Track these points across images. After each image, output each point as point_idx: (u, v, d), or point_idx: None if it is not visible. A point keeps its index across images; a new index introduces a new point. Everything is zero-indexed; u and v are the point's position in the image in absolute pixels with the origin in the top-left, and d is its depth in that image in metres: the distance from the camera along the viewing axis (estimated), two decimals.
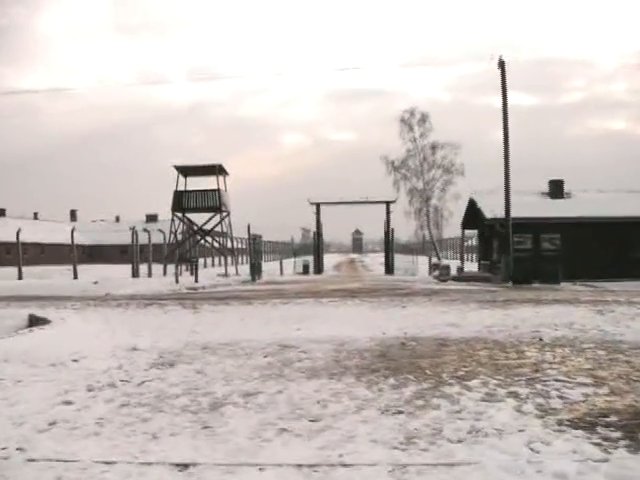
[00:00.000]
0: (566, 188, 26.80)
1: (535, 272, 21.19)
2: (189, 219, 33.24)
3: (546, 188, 26.92)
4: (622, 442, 3.80)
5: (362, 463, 3.56)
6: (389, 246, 32.64)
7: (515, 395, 4.97)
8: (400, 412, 4.58)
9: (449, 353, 6.90)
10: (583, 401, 4.76)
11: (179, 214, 32.49)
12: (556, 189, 26.58)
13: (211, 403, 4.93)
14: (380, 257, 41.68)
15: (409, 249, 37.82)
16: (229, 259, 33.66)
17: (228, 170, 32.92)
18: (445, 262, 30.43)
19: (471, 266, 31.69)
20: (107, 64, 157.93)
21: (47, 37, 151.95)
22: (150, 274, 25.79)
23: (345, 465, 3.55)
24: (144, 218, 59.58)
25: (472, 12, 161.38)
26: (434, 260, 32.07)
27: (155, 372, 6.14)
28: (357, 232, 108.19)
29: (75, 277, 24.70)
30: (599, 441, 3.84)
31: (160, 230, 28.55)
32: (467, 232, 32.77)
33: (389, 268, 31.76)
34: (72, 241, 27.18)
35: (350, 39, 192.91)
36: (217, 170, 31.87)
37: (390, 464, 3.54)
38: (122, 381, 5.74)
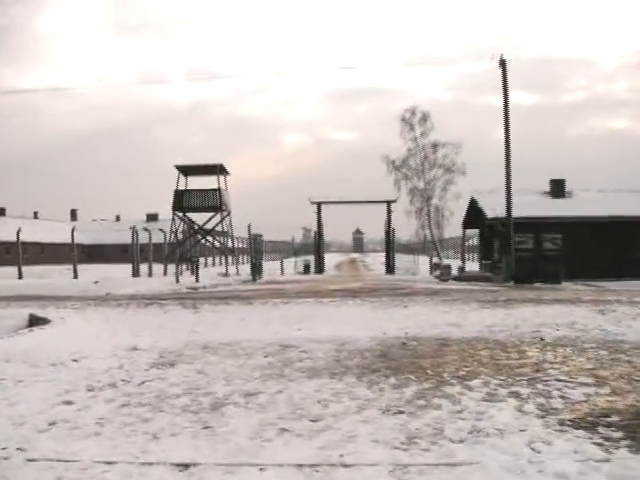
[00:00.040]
0: (567, 187, 26.76)
1: (536, 272, 21.16)
2: (190, 218, 33.24)
3: (547, 188, 26.88)
4: (623, 442, 3.80)
5: (363, 463, 3.56)
6: (390, 246, 32.60)
7: (516, 395, 4.97)
8: (401, 412, 4.57)
9: (450, 353, 6.90)
10: (584, 401, 4.76)
11: (180, 213, 32.49)
12: (557, 188, 26.55)
13: (212, 403, 4.93)
14: (381, 257, 41.62)
15: (410, 249, 37.81)
16: (230, 259, 33.66)
17: (229, 170, 32.98)
18: (446, 262, 30.45)
19: (472, 266, 31.65)
20: (107, 64, 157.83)
21: (47, 37, 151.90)
22: (150, 274, 25.79)
23: (346, 465, 3.54)
24: (145, 217, 59.57)
25: (473, 11, 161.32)
26: (435, 260, 32.06)
27: (156, 372, 6.14)
28: (358, 232, 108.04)
29: (75, 277, 24.69)
30: (600, 441, 3.83)
31: (161, 229, 28.55)
32: (468, 232, 32.70)
33: (390, 268, 31.73)
34: (72, 240, 27.18)
35: (351, 38, 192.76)
36: (218, 170, 31.87)
37: (391, 464, 3.54)
38: (122, 381, 5.74)
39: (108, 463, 3.61)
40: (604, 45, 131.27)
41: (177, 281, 22.21)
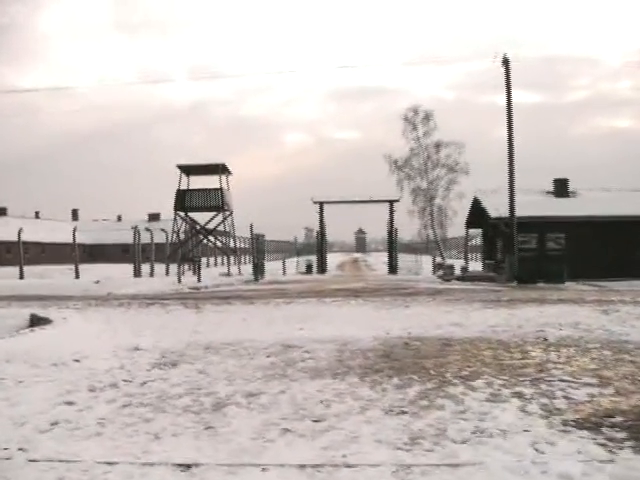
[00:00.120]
0: (571, 187, 26.66)
1: (540, 272, 21.10)
2: (192, 218, 33.24)
3: (551, 187, 26.78)
4: (627, 443, 3.78)
5: (366, 463, 3.54)
6: (393, 245, 32.54)
7: (520, 395, 4.94)
8: (404, 412, 4.56)
9: (453, 353, 6.87)
10: (588, 401, 4.73)
11: (182, 213, 32.49)
12: (561, 188, 26.45)
13: (214, 403, 4.91)
14: (383, 256, 41.52)
15: (413, 248, 37.75)
16: (232, 258, 33.65)
17: (231, 169, 32.96)
18: (449, 262, 30.41)
19: (475, 266, 31.62)
20: (108, 63, 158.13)
21: (47, 36, 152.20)
22: (152, 274, 25.77)
23: (349, 466, 3.53)
24: (146, 217, 59.57)
25: (476, 10, 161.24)
26: (438, 260, 32.00)
27: (157, 372, 6.13)
28: (360, 231, 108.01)
29: (77, 277, 24.71)
30: (604, 442, 3.81)
31: (162, 229, 28.52)
32: (471, 231, 32.65)
33: (392, 268, 31.68)
34: (74, 240, 27.20)
35: (352, 37, 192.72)
36: (220, 169, 31.86)
37: (394, 464, 3.52)
38: (124, 381, 5.73)
39: (110, 463, 3.60)
40: (608, 43, 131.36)
41: (179, 281, 22.21)
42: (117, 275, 24.47)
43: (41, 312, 10.89)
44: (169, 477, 3.45)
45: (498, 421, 4.27)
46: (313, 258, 33.89)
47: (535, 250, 23.69)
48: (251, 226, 30.57)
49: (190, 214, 32.83)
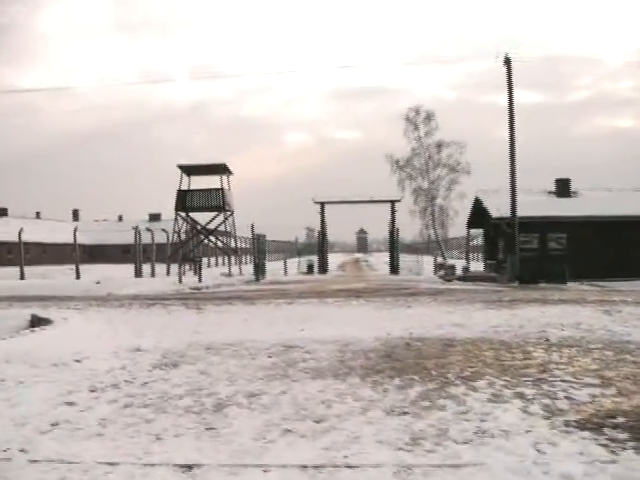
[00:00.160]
0: (573, 187, 26.64)
1: (541, 272, 21.08)
2: (193, 218, 33.23)
3: (553, 187, 26.76)
4: (630, 443, 3.76)
5: (367, 464, 3.54)
6: (394, 246, 32.54)
7: (521, 396, 4.93)
8: (405, 413, 4.55)
9: (455, 353, 6.86)
10: (590, 402, 4.72)
11: (182, 213, 32.47)
12: (563, 188, 26.42)
13: (215, 404, 4.91)
14: (385, 257, 41.54)
15: (414, 249, 37.75)
16: (233, 259, 33.65)
17: (232, 169, 32.94)
18: (450, 262, 30.37)
19: (477, 266, 31.58)
20: (108, 63, 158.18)
21: (47, 36, 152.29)
22: (153, 274, 25.77)
23: (350, 466, 3.52)
24: (147, 217, 59.59)
25: (477, 9, 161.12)
26: (439, 260, 31.98)
27: (158, 373, 6.12)
28: (362, 231, 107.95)
29: (77, 277, 24.73)
30: (606, 442, 3.80)
31: (163, 230, 28.53)
32: (473, 231, 32.65)
33: (394, 268, 31.68)
34: (74, 241, 27.23)
35: (352, 37, 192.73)
36: (221, 169, 31.85)
37: (395, 465, 3.51)
38: (125, 382, 5.72)
39: (111, 464, 3.60)
40: (610, 43, 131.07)
41: (180, 281, 22.21)
42: (118, 275, 24.47)
43: (42, 312, 10.89)
44: (170, 478, 3.44)
45: (500, 422, 4.26)
46: (314, 258, 33.89)
47: (537, 250, 23.68)
48: (252, 226, 30.58)
49: (191, 214, 32.81)
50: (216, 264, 40.11)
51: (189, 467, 3.55)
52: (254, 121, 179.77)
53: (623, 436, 3.90)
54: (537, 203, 24.48)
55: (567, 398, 4.83)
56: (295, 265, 34.21)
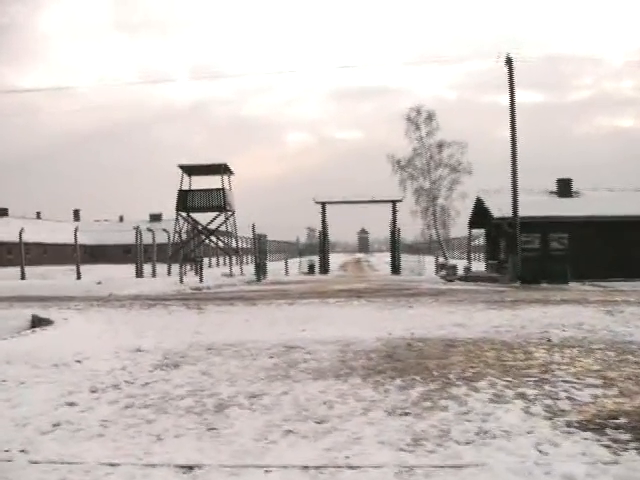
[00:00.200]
0: (574, 187, 26.57)
1: (543, 272, 21.04)
2: (194, 218, 33.24)
3: (554, 187, 26.70)
4: (632, 444, 3.75)
5: (369, 465, 3.53)
6: (395, 246, 32.53)
7: (523, 396, 4.92)
8: (407, 413, 4.54)
9: (456, 354, 6.85)
10: (592, 402, 4.71)
11: (183, 213, 32.47)
12: (564, 188, 26.37)
13: (216, 404, 4.90)
14: (386, 257, 41.53)
15: (415, 249, 37.70)
16: (234, 259, 33.64)
17: (232, 169, 32.93)
18: (452, 262, 30.33)
19: (478, 266, 31.53)
20: (108, 63, 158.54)
21: (47, 36, 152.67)
22: (154, 274, 25.78)
23: (351, 467, 3.52)
24: (148, 218, 59.54)
25: (477, 9, 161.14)
26: (441, 260, 31.95)
27: (159, 373, 6.11)
28: (363, 231, 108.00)
29: (78, 277, 24.72)
30: (608, 443, 3.79)
31: (164, 230, 28.52)
32: (474, 231, 32.58)
33: (395, 268, 31.67)
34: (75, 241, 27.24)
35: (354, 37, 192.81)
36: (222, 169, 31.84)
37: (397, 466, 3.51)
38: (126, 382, 5.72)
39: (112, 465, 3.59)
40: (611, 43, 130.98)
41: (181, 281, 22.20)
42: (119, 276, 24.47)
43: (42, 313, 10.90)
44: (171, 478, 3.44)
45: (501, 422, 4.25)
46: (315, 258, 33.89)
47: (538, 250, 23.63)
48: (253, 226, 30.57)
49: (192, 214, 32.81)
50: (217, 264, 40.15)
51: (190, 468, 3.55)
52: (254, 121, 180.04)
53: (625, 437, 3.89)
54: (539, 203, 24.44)
55: (569, 399, 4.82)
56: (296, 265, 34.19)
